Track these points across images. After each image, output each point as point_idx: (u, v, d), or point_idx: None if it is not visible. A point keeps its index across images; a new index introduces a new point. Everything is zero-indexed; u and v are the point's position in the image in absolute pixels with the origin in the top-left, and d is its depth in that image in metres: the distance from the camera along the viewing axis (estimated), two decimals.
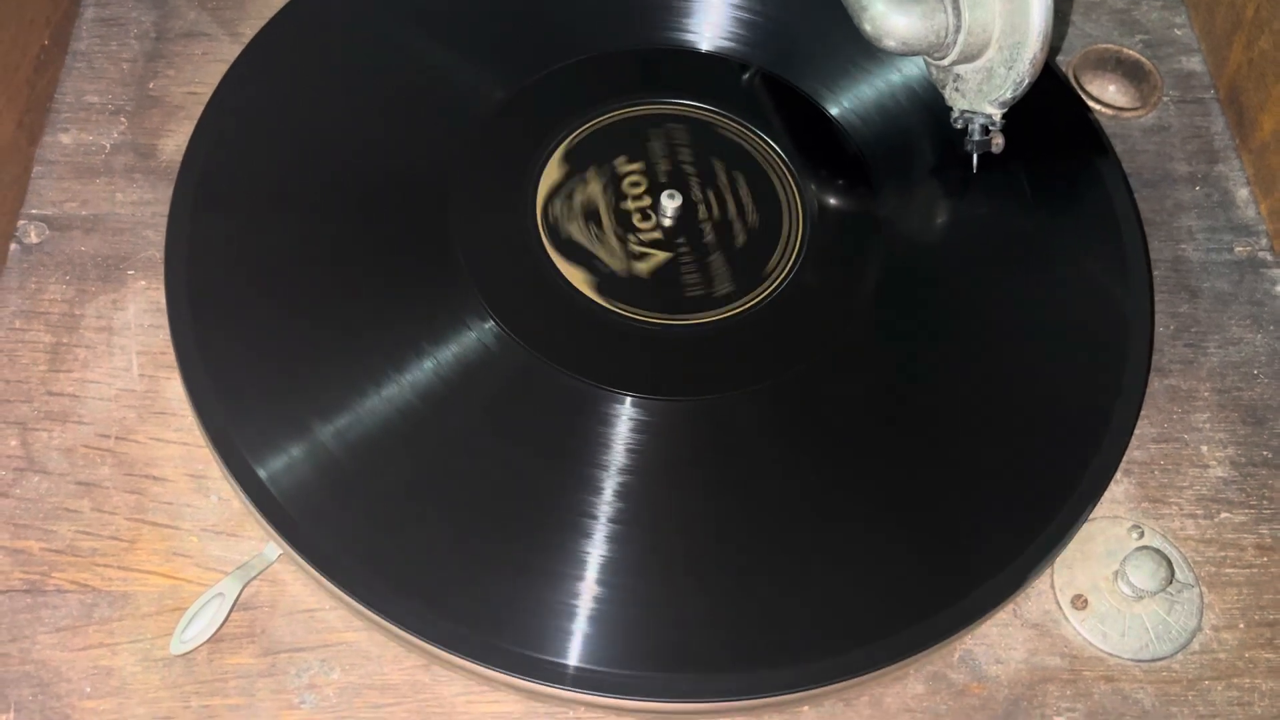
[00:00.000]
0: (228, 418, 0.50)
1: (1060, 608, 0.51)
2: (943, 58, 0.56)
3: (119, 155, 0.60)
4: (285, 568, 0.50)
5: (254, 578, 0.49)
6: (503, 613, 0.47)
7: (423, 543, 0.48)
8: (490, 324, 0.53)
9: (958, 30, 0.54)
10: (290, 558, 0.49)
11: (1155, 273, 0.59)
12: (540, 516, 0.49)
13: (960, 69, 0.56)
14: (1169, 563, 0.50)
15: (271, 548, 0.49)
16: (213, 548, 0.50)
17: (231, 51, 0.62)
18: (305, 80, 0.60)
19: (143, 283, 0.56)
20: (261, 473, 0.49)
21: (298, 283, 0.54)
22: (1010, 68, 0.54)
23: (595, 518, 0.49)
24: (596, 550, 0.48)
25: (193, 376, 0.51)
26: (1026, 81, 0.53)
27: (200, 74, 0.63)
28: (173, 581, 0.49)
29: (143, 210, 0.58)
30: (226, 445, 0.49)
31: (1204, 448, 0.55)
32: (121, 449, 0.52)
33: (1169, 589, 0.50)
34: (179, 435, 0.52)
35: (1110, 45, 0.67)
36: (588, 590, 0.47)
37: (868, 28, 0.55)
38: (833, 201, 0.59)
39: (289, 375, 0.51)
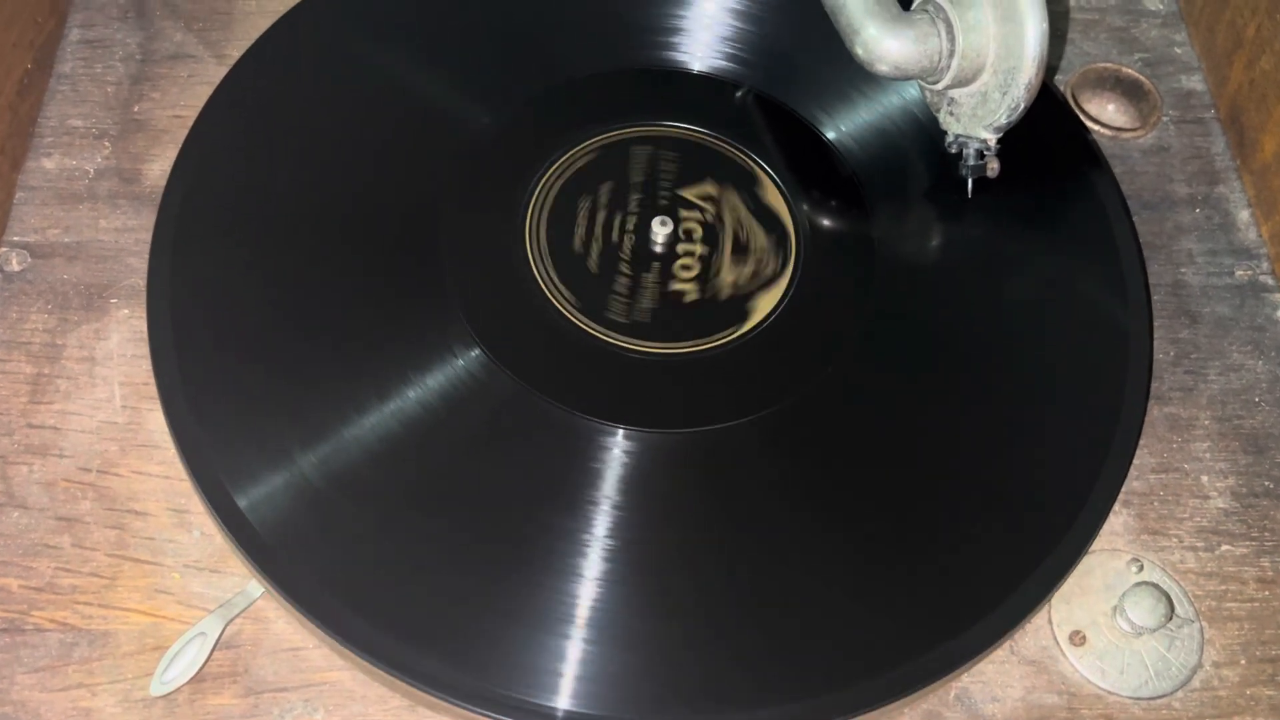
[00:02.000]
0: (209, 449, 0.49)
1: (1058, 644, 0.50)
2: (936, 82, 0.55)
3: (103, 180, 0.59)
4: (269, 605, 0.49)
5: (237, 616, 0.48)
6: (490, 653, 0.46)
7: (407, 580, 0.47)
8: (477, 352, 0.52)
9: (951, 55, 0.53)
10: (271, 595, 0.48)
11: (1155, 297, 0.59)
12: (528, 553, 0.48)
13: (955, 93, 0.55)
14: (1168, 599, 0.49)
15: (254, 585, 0.49)
16: (195, 584, 0.49)
17: (218, 74, 0.61)
18: (292, 104, 0.59)
19: (126, 311, 0.55)
20: (242, 503, 0.48)
21: (281, 311, 0.53)
22: (1005, 93, 0.53)
23: (585, 555, 0.48)
24: (587, 589, 0.47)
25: (174, 408, 0.50)
26: (1022, 107, 0.53)
27: (186, 97, 0.62)
28: (154, 619, 0.48)
29: (126, 237, 0.57)
30: (207, 477, 0.49)
31: (1204, 478, 0.54)
32: (103, 483, 0.51)
33: (1169, 625, 0.49)
34: (161, 468, 0.51)
35: (1109, 64, 0.66)
36: (577, 631, 0.46)
37: (860, 52, 0.54)
38: (827, 224, 0.58)
39: (273, 406, 0.50)
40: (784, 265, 0.56)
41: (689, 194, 0.58)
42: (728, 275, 0.56)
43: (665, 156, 0.59)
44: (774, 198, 0.58)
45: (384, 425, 0.50)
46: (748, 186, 0.58)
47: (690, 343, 0.54)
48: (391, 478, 0.49)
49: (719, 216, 0.57)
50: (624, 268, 0.56)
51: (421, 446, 0.50)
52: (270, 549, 0.47)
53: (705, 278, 0.56)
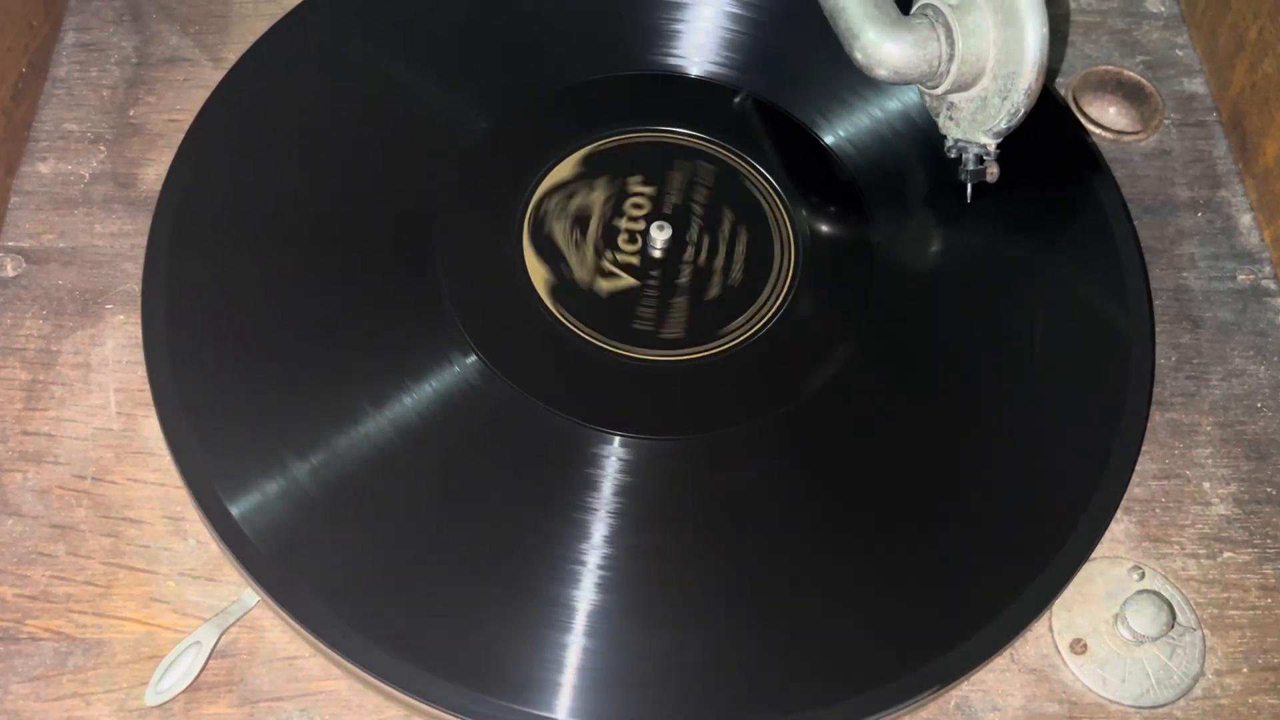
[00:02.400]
0: (203, 457, 0.49)
1: (1059, 652, 0.49)
2: (936, 87, 0.54)
3: (98, 185, 0.59)
4: (264, 614, 0.48)
5: (232, 624, 0.48)
6: (487, 663, 0.45)
7: (403, 589, 0.47)
8: (473, 358, 0.52)
9: (951, 59, 0.53)
10: (266, 604, 0.47)
11: (1156, 302, 0.58)
12: (525, 561, 0.48)
13: (954, 98, 0.55)
14: (1170, 607, 0.49)
15: (250, 593, 0.48)
16: (190, 593, 0.49)
17: (214, 77, 0.60)
18: (288, 107, 0.59)
19: (121, 317, 0.55)
20: (236, 512, 0.48)
21: (277, 317, 0.53)
22: (1005, 97, 0.52)
23: (583, 563, 0.47)
24: (584, 598, 0.47)
25: (169, 414, 0.50)
26: (1022, 112, 0.52)
27: (182, 100, 0.62)
28: (149, 628, 0.48)
29: (121, 242, 0.57)
30: (201, 485, 0.48)
31: (1206, 484, 0.54)
32: (98, 490, 0.51)
33: (1171, 633, 0.49)
34: (157, 475, 0.51)
35: (1110, 67, 0.65)
36: (575, 640, 0.46)
37: (859, 56, 0.54)
38: (826, 230, 0.57)
39: (268, 413, 0.50)
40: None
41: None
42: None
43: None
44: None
45: (380, 432, 0.50)
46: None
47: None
48: (387, 485, 0.49)
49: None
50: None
51: (418, 454, 0.49)
52: (265, 558, 0.47)
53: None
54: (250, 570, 0.47)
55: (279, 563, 0.47)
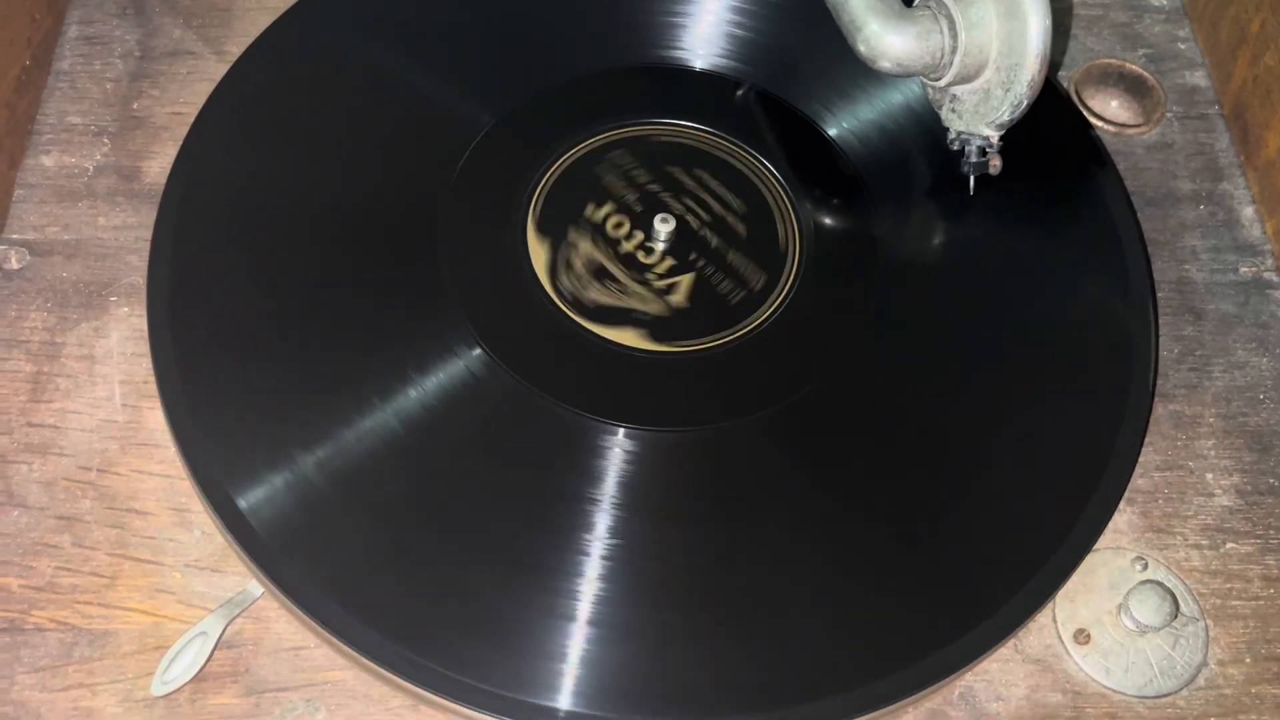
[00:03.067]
0: (208, 449, 0.49)
1: (1062, 642, 0.50)
2: (939, 79, 0.55)
3: (102, 178, 0.59)
4: (270, 604, 0.49)
5: (238, 615, 0.48)
6: (492, 653, 0.45)
7: (408, 579, 0.47)
8: (477, 351, 0.52)
9: (954, 51, 0.53)
10: (271, 594, 0.48)
11: (1159, 294, 0.58)
12: (530, 552, 0.48)
13: (957, 90, 0.55)
14: (1173, 597, 0.49)
15: (255, 584, 0.48)
16: (196, 583, 0.49)
17: (217, 70, 0.61)
18: (292, 101, 0.59)
19: (125, 309, 0.55)
20: (242, 504, 0.48)
21: (282, 309, 0.53)
22: (1008, 90, 0.52)
23: (588, 554, 0.48)
24: (589, 588, 0.47)
25: (174, 406, 0.50)
26: (1024, 104, 0.52)
27: (185, 93, 0.62)
28: (155, 619, 0.48)
29: (126, 235, 0.57)
30: (207, 477, 0.48)
31: (1209, 475, 0.54)
32: (103, 482, 0.51)
33: (1174, 623, 0.49)
34: (162, 467, 0.51)
35: (1113, 60, 0.66)
36: (579, 630, 0.46)
37: (862, 48, 0.54)
38: (829, 222, 0.58)
39: (273, 405, 0.50)
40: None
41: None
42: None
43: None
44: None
45: (385, 425, 0.50)
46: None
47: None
48: (392, 477, 0.49)
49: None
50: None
51: (422, 446, 0.50)
52: (270, 549, 0.47)
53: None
54: (256, 561, 0.47)
55: (285, 554, 0.47)
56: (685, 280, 0.55)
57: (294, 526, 0.48)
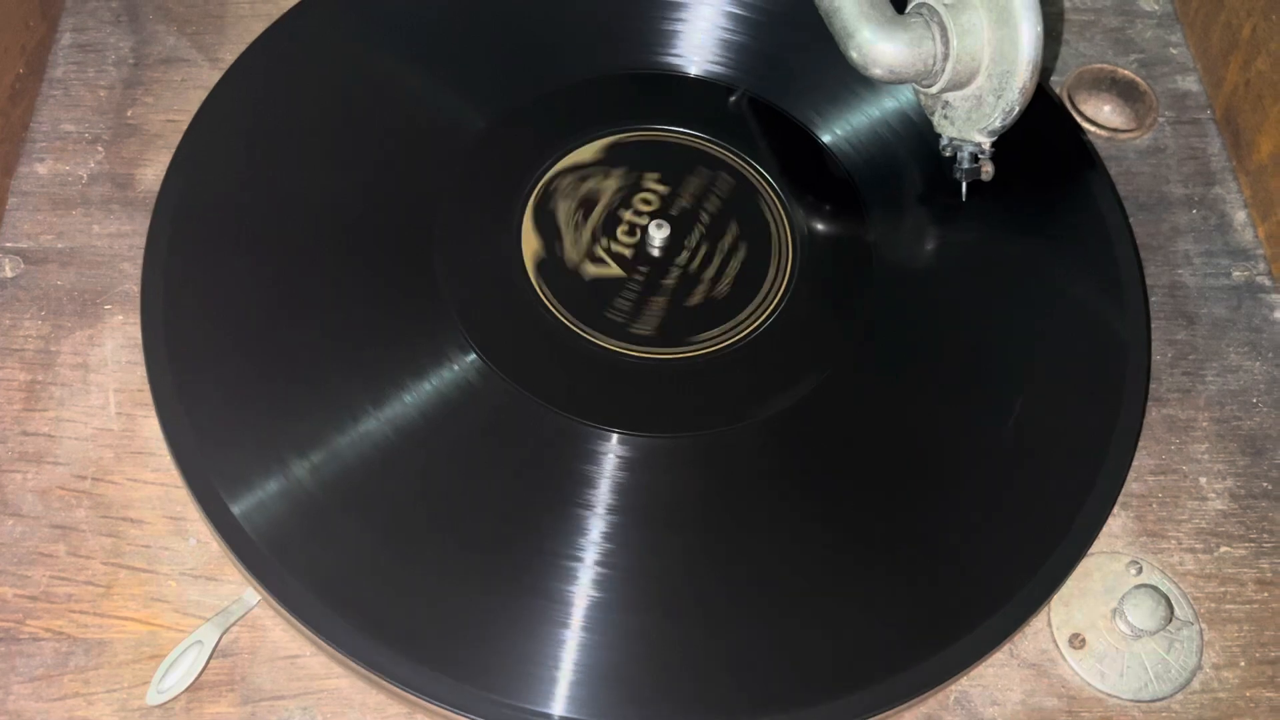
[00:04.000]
0: (203, 456, 0.49)
1: (1057, 647, 0.50)
2: (931, 85, 0.55)
3: (96, 185, 0.59)
4: (265, 613, 0.48)
5: (234, 623, 0.48)
6: (488, 661, 0.45)
7: (404, 587, 0.47)
8: (472, 357, 0.52)
9: (946, 58, 0.53)
10: (267, 602, 0.47)
11: (1152, 299, 0.58)
12: (525, 559, 0.48)
13: (949, 96, 0.55)
14: (1168, 601, 0.49)
15: (251, 592, 0.48)
16: (191, 592, 0.49)
17: (211, 78, 0.60)
18: (286, 108, 0.59)
19: (120, 317, 0.55)
20: (237, 511, 0.48)
21: (276, 316, 0.53)
22: (1000, 96, 0.53)
23: (582, 560, 0.48)
24: (583, 595, 0.47)
25: (168, 414, 0.50)
26: (1016, 110, 0.53)
27: (179, 101, 0.61)
28: (150, 628, 0.48)
29: (120, 242, 0.57)
30: (202, 485, 0.48)
31: (1203, 479, 0.54)
32: (98, 490, 0.51)
33: (1168, 627, 0.49)
34: (157, 475, 0.51)
35: (1105, 65, 0.66)
36: (574, 637, 0.46)
37: (854, 55, 0.54)
38: (823, 228, 0.58)
39: (268, 412, 0.50)
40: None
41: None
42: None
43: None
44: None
45: (380, 431, 0.50)
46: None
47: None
48: (388, 484, 0.49)
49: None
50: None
51: (418, 452, 0.50)
52: (266, 557, 0.47)
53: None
54: (251, 569, 0.47)
55: (280, 561, 0.47)
56: (610, 271, 0.55)
57: (289, 534, 0.47)
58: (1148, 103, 0.65)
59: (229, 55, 0.62)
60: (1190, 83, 0.66)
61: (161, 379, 0.51)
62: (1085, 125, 0.63)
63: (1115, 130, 0.64)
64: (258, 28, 0.62)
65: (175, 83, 0.62)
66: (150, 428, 0.52)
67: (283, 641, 0.48)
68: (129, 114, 0.61)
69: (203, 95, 0.59)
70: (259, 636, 0.48)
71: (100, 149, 0.60)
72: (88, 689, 0.46)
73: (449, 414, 0.51)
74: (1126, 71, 0.66)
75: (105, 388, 0.53)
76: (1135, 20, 0.68)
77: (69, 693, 0.46)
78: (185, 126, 0.58)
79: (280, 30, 0.61)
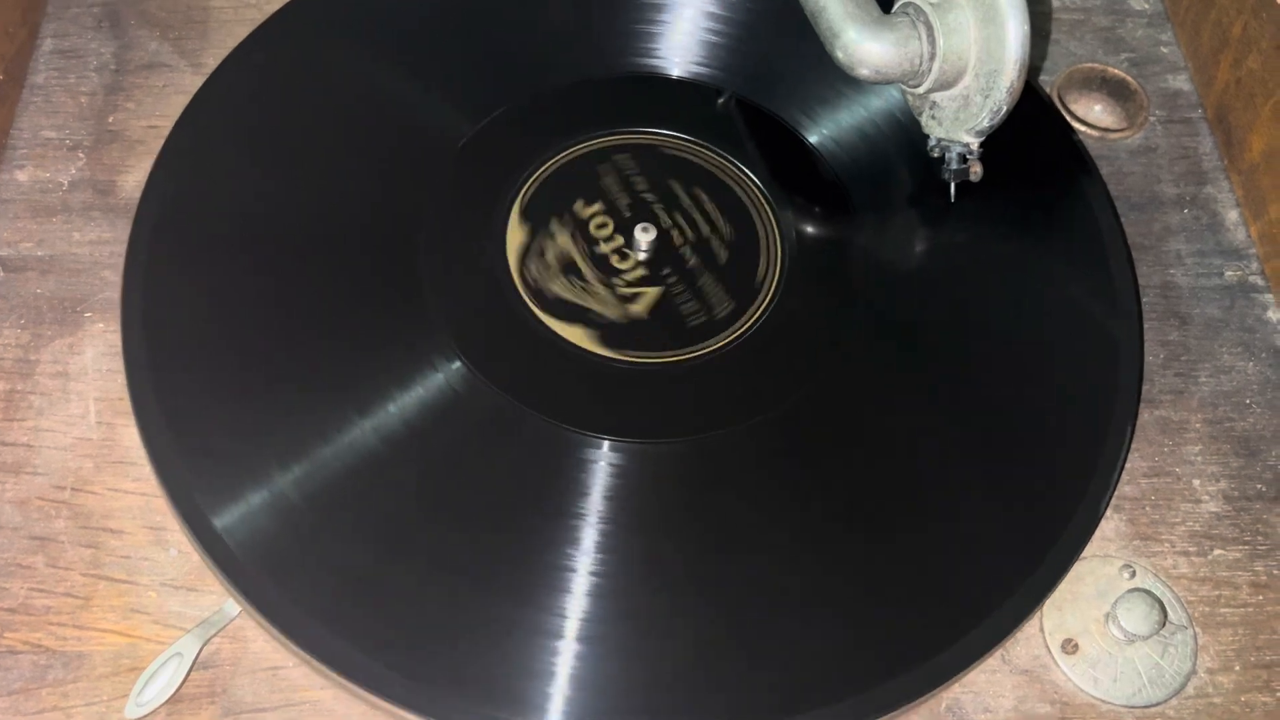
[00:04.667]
0: (184, 466, 0.48)
1: (1050, 652, 0.49)
2: (918, 85, 0.54)
3: (77, 192, 0.58)
4: (247, 624, 0.48)
5: (214, 635, 0.47)
6: (476, 673, 0.45)
7: (388, 598, 0.46)
8: (458, 364, 0.51)
9: (932, 58, 0.53)
10: (249, 614, 0.47)
11: (1144, 299, 0.58)
12: (515, 570, 0.47)
13: (936, 97, 0.55)
14: (1161, 605, 0.49)
15: (232, 603, 0.48)
16: (172, 603, 0.48)
17: (194, 83, 0.60)
18: (269, 114, 0.58)
19: (100, 325, 0.54)
20: (218, 524, 0.47)
21: (258, 324, 0.52)
22: (987, 96, 0.52)
23: (573, 570, 0.47)
24: (576, 606, 0.46)
25: (148, 423, 0.49)
26: (1004, 110, 0.52)
27: (161, 107, 0.61)
28: (130, 640, 0.47)
29: (101, 250, 0.56)
30: (183, 495, 0.48)
31: (1196, 481, 0.53)
32: (77, 501, 0.50)
33: (1162, 631, 0.49)
34: (137, 485, 0.50)
35: (1095, 64, 0.65)
36: (567, 649, 0.45)
37: (840, 55, 0.53)
38: (811, 230, 0.57)
39: (250, 421, 0.50)
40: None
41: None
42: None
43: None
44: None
45: (363, 441, 0.49)
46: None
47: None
48: (372, 495, 0.48)
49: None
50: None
51: (402, 462, 0.49)
52: (247, 568, 0.46)
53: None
54: (233, 580, 0.46)
55: (262, 572, 0.46)
56: (650, 293, 0.55)
57: (271, 545, 0.47)
58: (1138, 102, 0.64)
59: (212, 60, 0.62)
60: (1181, 82, 0.66)
61: (142, 387, 0.50)
62: (1076, 125, 0.63)
63: (1106, 130, 0.63)
64: (241, 32, 0.62)
65: (157, 89, 0.62)
66: (131, 437, 0.51)
67: (264, 653, 0.47)
68: (110, 120, 0.60)
69: (185, 101, 0.58)
70: (240, 648, 0.47)
71: (81, 155, 0.59)
72: (66, 702, 0.46)
73: (435, 423, 0.50)
74: (1117, 71, 0.65)
75: (85, 396, 0.53)
76: (1125, 19, 0.68)
77: (47, 706, 0.46)
78: (167, 133, 0.57)
79: (264, 35, 0.60)
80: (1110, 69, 0.65)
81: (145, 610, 0.48)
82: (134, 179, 0.58)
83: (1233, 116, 0.62)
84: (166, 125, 0.58)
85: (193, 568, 0.49)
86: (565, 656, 0.45)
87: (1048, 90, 0.64)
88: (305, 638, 0.45)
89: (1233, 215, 0.61)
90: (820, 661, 0.46)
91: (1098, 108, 0.65)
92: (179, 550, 0.49)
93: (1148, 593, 0.49)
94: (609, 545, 0.47)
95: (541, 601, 0.46)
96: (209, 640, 0.47)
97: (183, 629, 0.47)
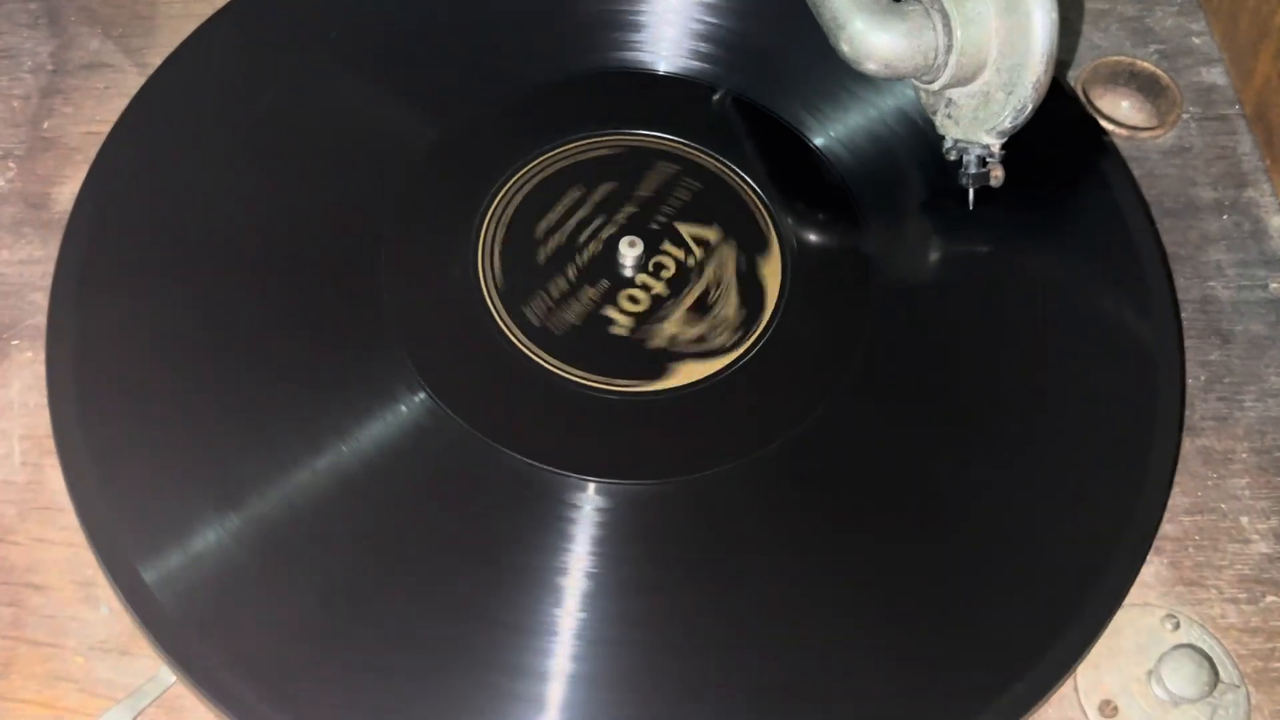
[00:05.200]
0: (113, 514, 0.44)
1: (1085, 715, 0.44)
2: (932, 82, 0.50)
3: (6, 206, 0.54)
4: (184, 692, 0.43)
5: (147, 705, 0.43)
6: None
7: (342, 666, 0.41)
8: (422, 395, 0.46)
9: (948, 51, 0.48)
10: (184, 682, 0.42)
11: (1182, 316, 0.53)
12: (487, 632, 0.42)
13: (953, 94, 0.50)
14: (1211, 663, 0.44)
15: (166, 669, 0.43)
16: (101, 669, 0.43)
17: (138, 85, 0.55)
18: (216, 118, 0.53)
19: (29, 354, 0.50)
20: (149, 578, 0.42)
21: (200, 353, 0.47)
22: (1010, 93, 0.47)
23: (555, 633, 0.42)
24: (558, 670, 0.41)
25: (73, 464, 0.45)
26: (1029, 108, 0.47)
27: (102, 111, 0.56)
28: (53, 711, 0.43)
29: (31, 270, 0.52)
30: (110, 547, 0.43)
31: (1244, 519, 0.48)
32: None
33: (1213, 694, 0.44)
34: (65, 535, 0.46)
35: (1122, 57, 0.61)
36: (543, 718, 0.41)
37: (845, 48, 0.49)
38: (816, 241, 0.52)
39: (188, 464, 0.45)
40: (736, 347, 0.50)
41: (660, 210, 0.52)
42: (670, 327, 0.49)
43: (631, 170, 0.53)
44: (771, 270, 0.52)
45: (315, 484, 0.44)
46: (726, 203, 0.53)
47: (665, 380, 0.48)
48: (324, 545, 0.43)
49: (701, 265, 0.51)
50: (570, 272, 0.50)
51: (359, 508, 0.44)
52: (181, 629, 0.41)
53: (644, 319, 0.50)
54: (164, 644, 0.41)
55: (198, 634, 0.41)
56: (638, 309, 0.50)
57: (209, 602, 0.42)
58: (1170, 98, 0.60)
59: (158, 60, 0.57)
60: (1216, 75, 0.61)
61: (67, 425, 0.45)
62: (1102, 123, 0.58)
63: (1135, 128, 0.59)
64: (189, 30, 0.57)
65: (98, 90, 0.57)
66: (59, 480, 0.46)
67: None
68: (45, 126, 0.56)
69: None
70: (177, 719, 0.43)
71: (12, 165, 0.55)
72: None
73: (396, 463, 0.45)
74: (1146, 64, 0.60)
75: (9, 434, 0.48)
76: (1154, 8, 0.63)
77: None
78: None
79: (210, 32, 0.56)
80: (1139, 62, 0.60)
81: (70, 678, 0.43)
82: (70, 190, 0.54)
83: (1274, 112, 0.57)
84: (107, 131, 0.53)
85: (125, 628, 0.44)
86: None
87: (1071, 85, 0.59)
88: (248, 710, 0.40)
89: (1277, 221, 0.56)
90: None
91: (1125, 104, 0.60)
92: (110, 609, 0.44)
93: (1195, 649, 0.44)
94: (594, 605, 0.43)
95: (520, 673, 0.41)
96: (141, 711, 0.42)
97: (113, 699, 0.43)
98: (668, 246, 0.51)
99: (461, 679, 0.41)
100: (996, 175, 0.51)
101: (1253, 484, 0.49)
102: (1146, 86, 0.60)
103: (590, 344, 0.49)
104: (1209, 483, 0.49)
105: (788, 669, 0.42)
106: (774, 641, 0.43)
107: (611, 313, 0.49)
